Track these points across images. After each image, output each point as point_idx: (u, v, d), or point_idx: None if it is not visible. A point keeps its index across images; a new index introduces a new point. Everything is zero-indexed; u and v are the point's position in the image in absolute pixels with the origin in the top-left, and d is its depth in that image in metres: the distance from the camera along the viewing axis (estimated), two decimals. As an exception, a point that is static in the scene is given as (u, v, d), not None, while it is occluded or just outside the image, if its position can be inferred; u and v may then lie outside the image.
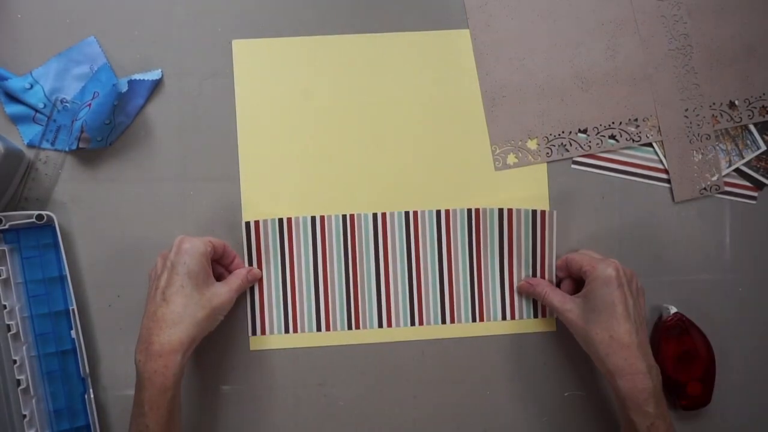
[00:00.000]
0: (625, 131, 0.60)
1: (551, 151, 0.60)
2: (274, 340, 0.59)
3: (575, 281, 0.58)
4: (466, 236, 0.59)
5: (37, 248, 0.57)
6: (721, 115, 0.61)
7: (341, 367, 0.60)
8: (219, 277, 0.56)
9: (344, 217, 0.59)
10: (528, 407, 0.60)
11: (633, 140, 0.60)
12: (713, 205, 0.61)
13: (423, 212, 0.59)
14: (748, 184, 0.61)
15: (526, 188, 0.60)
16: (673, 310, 0.58)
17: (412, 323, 0.60)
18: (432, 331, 0.60)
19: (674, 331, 0.58)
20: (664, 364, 0.57)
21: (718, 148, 0.61)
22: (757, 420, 0.61)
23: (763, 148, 0.61)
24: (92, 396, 0.56)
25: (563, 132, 0.60)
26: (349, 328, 0.59)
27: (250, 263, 0.59)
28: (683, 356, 0.58)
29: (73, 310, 0.56)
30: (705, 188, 0.61)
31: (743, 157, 0.61)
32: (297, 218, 0.59)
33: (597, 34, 0.60)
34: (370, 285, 0.59)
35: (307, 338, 0.59)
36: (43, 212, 0.56)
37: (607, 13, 0.60)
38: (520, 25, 0.60)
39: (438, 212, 0.59)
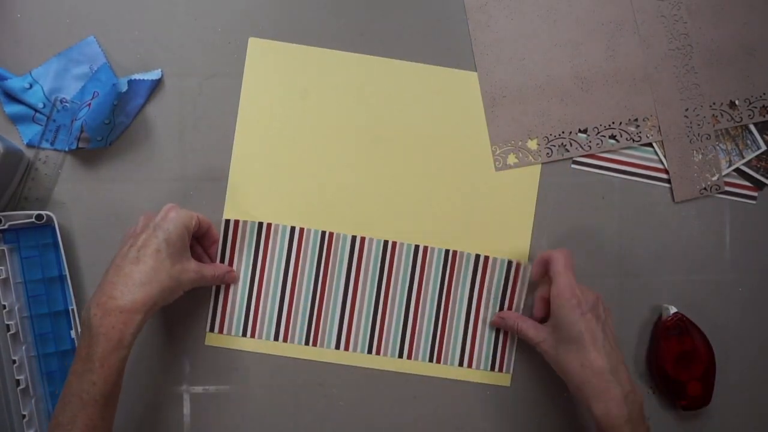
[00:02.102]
0: (625, 131, 0.60)
1: (551, 151, 0.60)
2: (237, 341, 0.59)
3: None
4: (440, 276, 0.59)
5: (36, 248, 0.57)
6: (722, 114, 0.61)
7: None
8: (197, 259, 0.56)
9: (323, 233, 0.59)
10: (528, 406, 0.60)
11: (633, 140, 0.60)
12: (713, 205, 0.61)
13: (402, 245, 0.59)
14: (748, 184, 0.61)
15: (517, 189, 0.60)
16: (673, 310, 0.58)
17: (369, 351, 0.59)
18: (388, 362, 0.59)
19: (674, 331, 0.58)
20: (664, 364, 0.57)
21: (718, 147, 0.61)
22: (758, 420, 0.61)
23: (764, 148, 0.61)
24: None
25: (563, 132, 0.60)
26: (306, 343, 0.59)
27: (222, 260, 0.58)
28: (683, 356, 0.57)
29: (72, 310, 0.56)
30: (705, 188, 0.61)
31: (743, 157, 0.61)
32: (277, 226, 0.58)
33: (597, 34, 0.60)
34: (335, 304, 0.59)
35: (267, 345, 0.59)
36: (42, 212, 0.55)
37: (606, 14, 0.60)
38: (520, 26, 0.60)
39: (416, 247, 0.59)
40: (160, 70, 0.59)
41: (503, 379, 0.60)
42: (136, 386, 0.58)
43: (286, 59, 0.60)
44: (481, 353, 0.59)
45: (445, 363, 0.59)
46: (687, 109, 0.60)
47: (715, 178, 0.61)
